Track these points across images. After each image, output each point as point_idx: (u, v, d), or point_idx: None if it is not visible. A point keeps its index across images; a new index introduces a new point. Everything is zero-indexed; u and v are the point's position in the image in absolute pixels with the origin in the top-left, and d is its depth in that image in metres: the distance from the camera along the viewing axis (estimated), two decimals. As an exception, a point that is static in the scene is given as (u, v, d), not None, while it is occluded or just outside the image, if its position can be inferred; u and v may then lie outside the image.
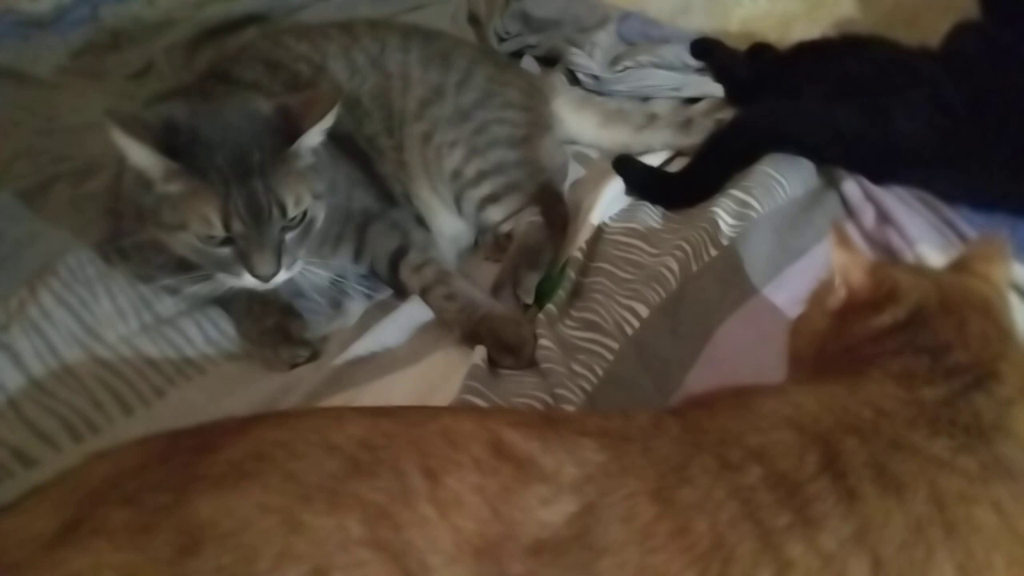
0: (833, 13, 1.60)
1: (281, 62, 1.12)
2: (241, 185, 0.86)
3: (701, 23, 1.65)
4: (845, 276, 0.68)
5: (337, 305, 1.04)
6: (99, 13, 1.66)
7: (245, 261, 0.88)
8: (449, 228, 1.17)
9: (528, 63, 1.49)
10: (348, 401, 0.90)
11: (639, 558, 0.52)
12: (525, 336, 0.99)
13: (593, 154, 1.32)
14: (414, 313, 1.02)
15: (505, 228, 1.15)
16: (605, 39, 1.51)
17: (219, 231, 0.87)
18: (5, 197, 1.15)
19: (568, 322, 1.03)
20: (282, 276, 0.91)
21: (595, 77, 1.45)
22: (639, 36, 1.59)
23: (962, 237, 1.15)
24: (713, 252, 1.10)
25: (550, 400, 0.92)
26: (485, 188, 1.14)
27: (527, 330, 1.00)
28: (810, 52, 1.42)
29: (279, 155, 0.89)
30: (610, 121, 1.32)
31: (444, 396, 0.90)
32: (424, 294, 1.04)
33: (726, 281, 1.06)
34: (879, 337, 0.65)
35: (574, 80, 1.46)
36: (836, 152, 1.24)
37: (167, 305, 1.01)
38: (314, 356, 0.97)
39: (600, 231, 1.15)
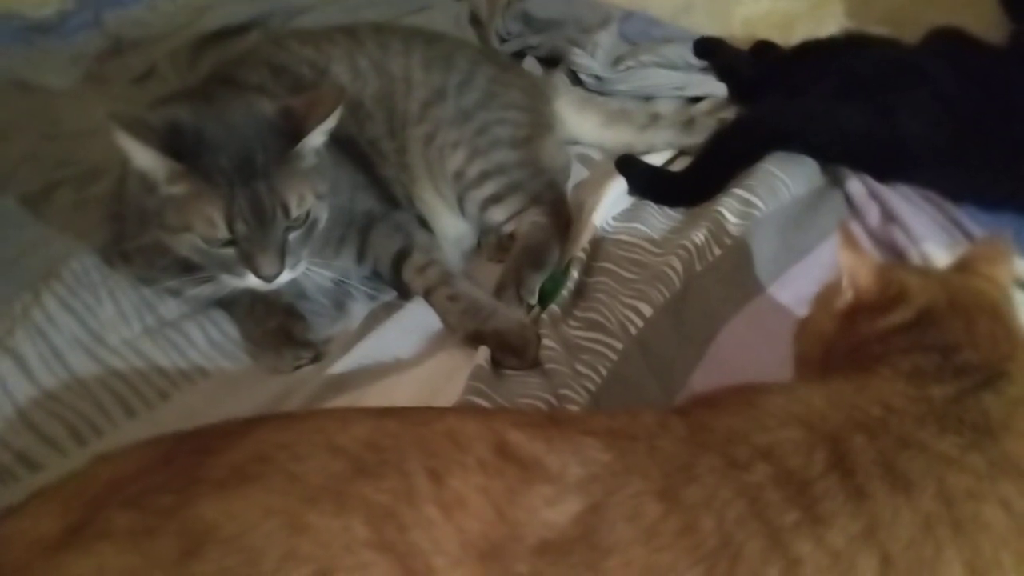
0: (835, 12, 1.59)
1: (285, 66, 1.12)
2: (245, 186, 0.86)
3: (703, 23, 1.65)
4: (853, 277, 0.68)
5: (340, 307, 1.04)
6: (102, 18, 1.66)
7: (249, 262, 0.88)
8: (452, 229, 1.17)
9: (530, 64, 1.49)
10: (351, 403, 0.90)
11: (645, 557, 0.52)
12: (529, 337, 0.99)
13: (596, 154, 1.31)
14: (417, 315, 1.01)
15: (508, 229, 1.15)
16: (607, 39, 1.50)
17: (223, 232, 0.87)
18: (8, 202, 1.15)
19: (572, 322, 1.03)
20: (285, 276, 0.91)
21: (597, 77, 1.44)
22: (641, 36, 1.59)
23: (968, 235, 1.14)
24: (717, 251, 1.10)
25: (554, 401, 0.92)
26: (487, 189, 1.14)
27: (531, 331, 1.00)
28: (814, 51, 1.41)
29: (282, 156, 0.89)
30: (612, 121, 1.31)
31: (448, 397, 0.90)
32: (427, 295, 1.03)
33: (730, 280, 1.05)
34: (887, 337, 0.64)
35: (576, 80, 1.45)
36: (840, 151, 1.24)
37: (170, 308, 1.01)
38: (317, 358, 0.97)
39: (603, 231, 1.15)
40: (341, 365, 0.94)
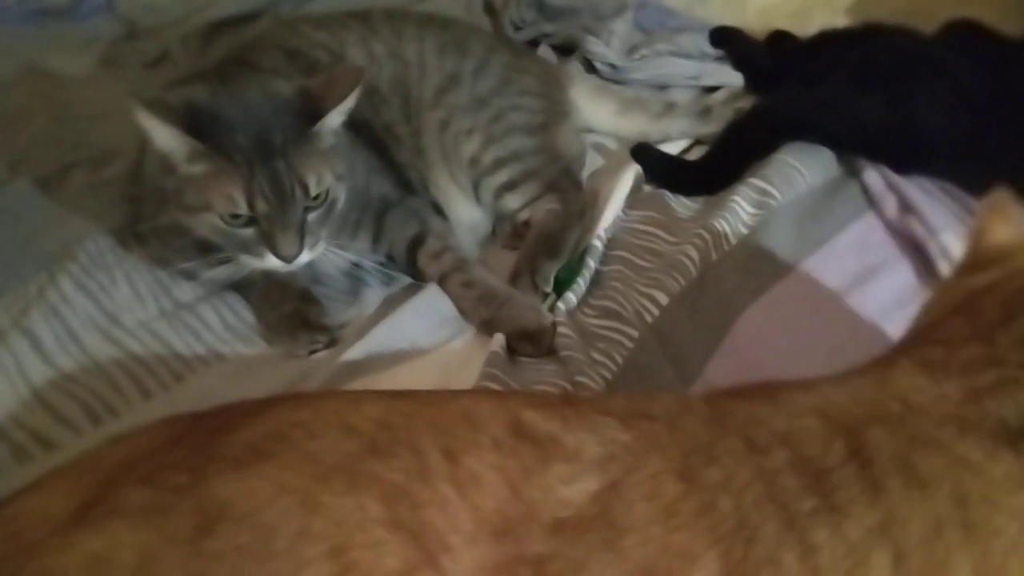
0: (851, 2, 1.59)
1: (299, 50, 1.11)
2: (264, 165, 0.86)
3: (718, 13, 1.64)
4: (976, 232, 0.66)
5: (355, 292, 1.04)
6: (114, 2, 1.66)
7: (268, 241, 0.88)
8: (467, 216, 1.16)
9: (544, 52, 1.48)
10: (366, 387, 0.89)
11: (663, 536, 0.51)
12: (544, 324, 0.98)
13: (611, 143, 1.30)
14: (432, 301, 1.01)
15: (523, 216, 1.14)
16: (622, 27, 1.49)
17: (243, 210, 0.87)
18: (23, 184, 1.15)
19: (587, 310, 1.02)
20: (304, 257, 0.91)
21: (612, 66, 1.43)
22: (656, 26, 1.58)
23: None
24: (733, 240, 1.10)
25: (569, 388, 0.91)
26: (502, 176, 1.13)
27: (546, 319, 0.99)
28: (831, 41, 1.41)
29: (301, 136, 0.89)
30: (628, 109, 1.31)
31: (462, 384, 0.89)
32: (442, 281, 1.03)
33: (746, 269, 1.05)
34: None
35: (591, 69, 1.44)
36: (857, 141, 1.23)
37: (185, 291, 1.00)
38: (332, 343, 0.97)
39: (619, 220, 1.14)
40: (356, 350, 0.94)
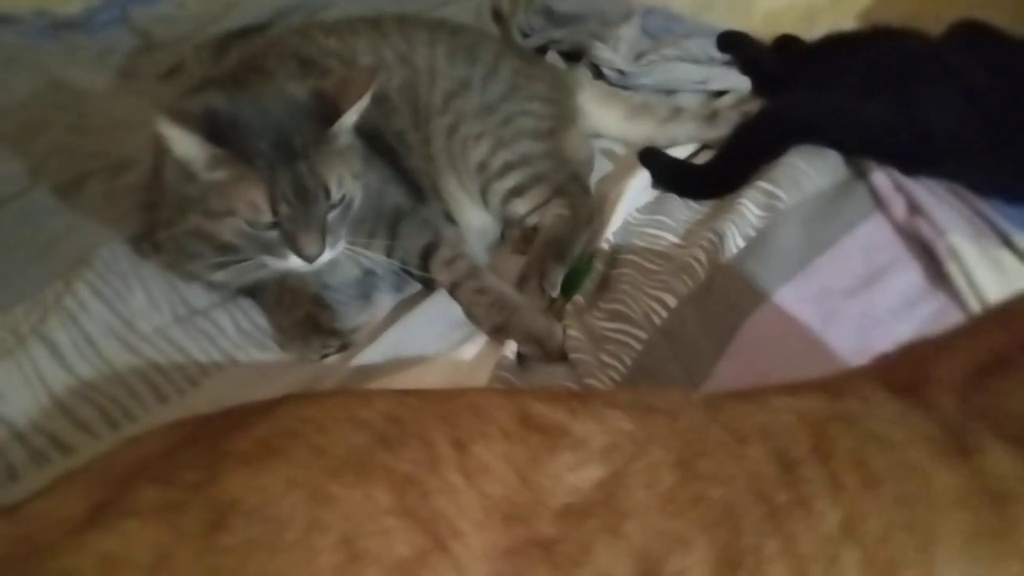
0: (858, 5, 1.59)
1: (311, 57, 1.12)
2: (286, 168, 0.87)
3: (725, 18, 1.65)
4: None
5: (367, 297, 1.05)
6: (129, 15, 1.68)
7: (292, 243, 0.89)
8: (476, 221, 1.17)
9: (552, 58, 1.49)
10: (377, 390, 0.90)
11: (660, 522, 0.53)
12: (554, 331, 0.99)
13: (619, 148, 1.31)
14: (443, 306, 1.02)
15: (531, 221, 1.15)
16: (629, 33, 1.50)
17: (267, 215, 0.88)
18: (41, 192, 1.16)
19: (596, 313, 1.03)
20: (327, 256, 0.92)
21: (619, 71, 1.44)
22: (662, 32, 1.59)
23: (995, 228, 1.14)
24: (741, 243, 1.10)
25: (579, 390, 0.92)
26: (510, 180, 1.14)
27: (556, 325, 1.00)
28: (838, 44, 1.41)
29: (320, 138, 0.90)
30: (635, 114, 1.31)
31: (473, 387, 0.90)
32: (455, 288, 1.04)
33: (754, 272, 1.05)
34: None
35: (598, 75, 1.45)
36: (865, 144, 1.23)
37: (200, 297, 1.02)
38: (344, 347, 0.98)
39: (627, 224, 1.15)
40: (368, 355, 0.95)
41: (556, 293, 1.07)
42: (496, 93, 1.17)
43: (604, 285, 1.08)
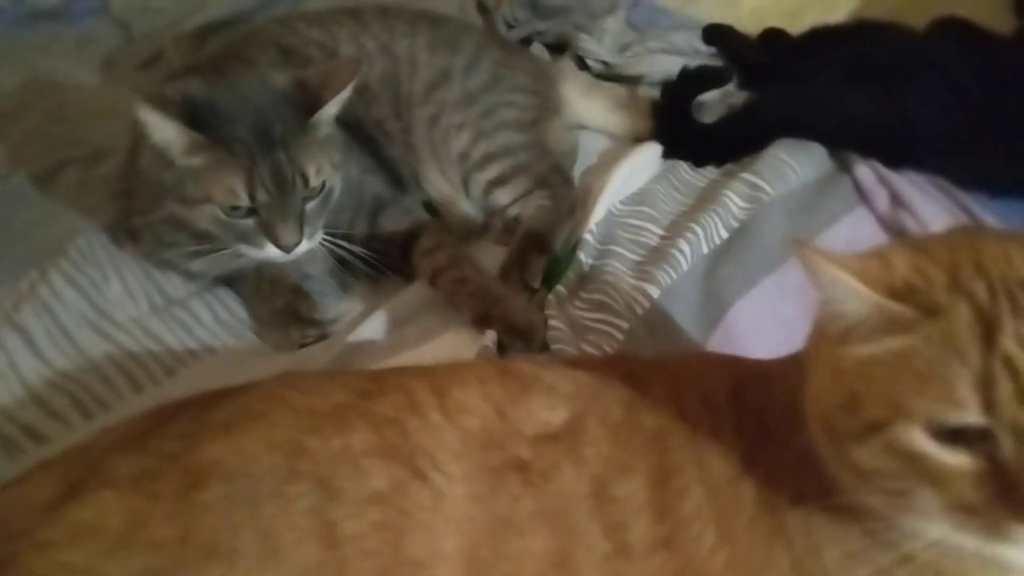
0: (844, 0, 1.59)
1: (293, 47, 1.12)
2: (265, 156, 0.87)
3: (711, 11, 1.64)
4: None
5: (344, 288, 1.05)
6: (108, 4, 1.66)
7: (268, 232, 0.89)
8: (458, 211, 1.17)
9: (537, 50, 1.48)
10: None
11: (611, 449, 0.61)
12: (536, 322, 0.99)
13: (603, 139, 1.31)
14: (423, 296, 1.02)
15: (513, 212, 1.14)
16: (614, 25, 1.50)
17: (244, 201, 0.88)
18: (18, 180, 1.15)
19: (578, 304, 1.03)
20: (304, 246, 0.92)
21: (604, 63, 1.44)
22: (648, 24, 1.58)
23: (978, 222, 1.14)
24: (724, 234, 1.10)
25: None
26: (492, 171, 1.14)
27: (538, 316, 1.00)
28: (823, 37, 1.41)
29: (300, 127, 0.90)
30: (619, 106, 1.31)
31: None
32: (435, 277, 1.03)
33: (738, 262, 1.06)
34: None
35: (583, 67, 1.45)
36: (849, 137, 1.24)
37: (177, 287, 1.01)
38: (323, 337, 0.97)
39: (610, 215, 1.15)
40: (347, 343, 0.94)
41: (538, 284, 1.06)
42: (478, 83, 1.16)
43: (587, 276, 1.07)
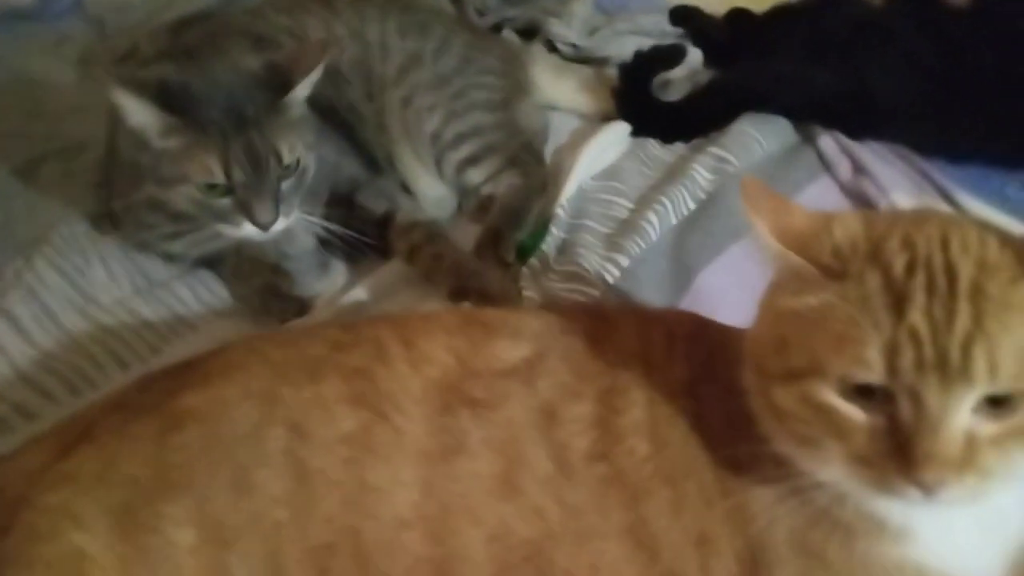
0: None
1: (264, 35, 1.14)
2: (238, 135, 0.90)
3: (678, -7, 1.68)
4: None
5: (324, 266, 1.07)
6: (83, 3, 1.67)
7: (245, 210, 0.92)
8: (432, 191, 1.20)
9: (508, 36, 1.51)
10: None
11: (567, 378, 0.66)
12: (510, 294, 1.02)
13: (573, 119, 1.34)
14: (400, 271, 1.05)
15: (486, 190, 1.17)
16: (582, 9, 1.53)
17: (221, 179, 0.90)
18: (0, 173, 1.17)
19: (552, 275, 1.05)
20: (280, 224, 0.94)
21: (574, 46, 1.47)
22: (616, 8, 1.61)
23: (936, 186, 1.18)
24: (692, 205, 1.14)
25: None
26: (464, 150, 1.17)
27: (512, 288, 1.03)
28: (786, 14, 1.45)
29: (272, 107, 0.93)
30: (588, 87, 1.34)
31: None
32: (412, 254, 1.06)
33: (705, 231, 1.09)
34: None
35: (553, 51, 1.47)
36: (812, 110, 1.28)
37: (159, 270, 1.03)
38: (303, 312, 1.00)
39: (582, 190, 1.18)
40: (327, 319, 0.97)
41: (512, 258, 1.09)
42: (448, 66, 1.19)
43: (560, 249, 1.10)
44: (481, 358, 0.66)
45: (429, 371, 0.65)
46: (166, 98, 0.88)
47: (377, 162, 1.15)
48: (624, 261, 1.04)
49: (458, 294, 1.01)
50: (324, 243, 1.05)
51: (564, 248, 1.09)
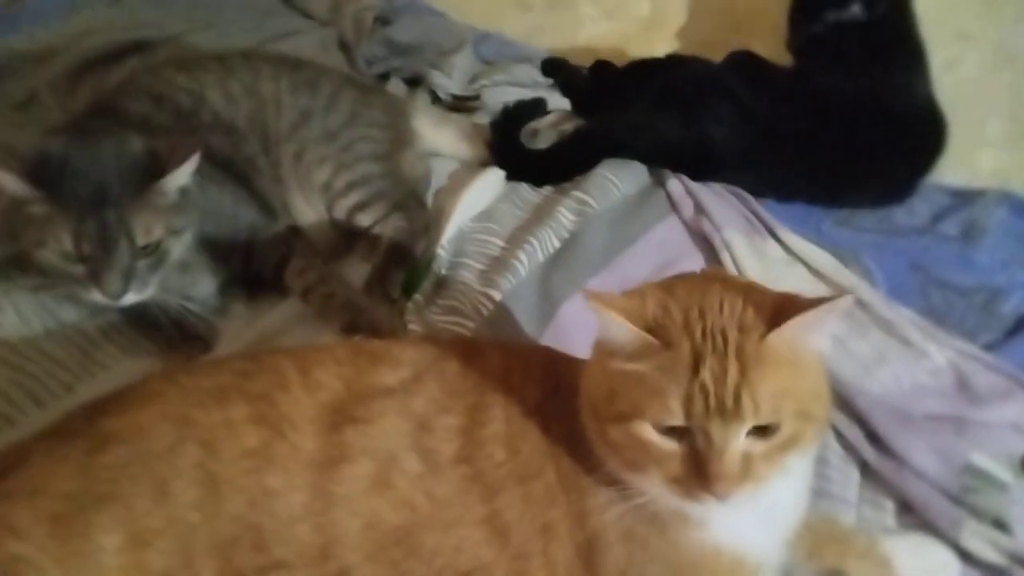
0: (662, 35, 1.81)
1: (164, 94, 1.22)
2: (95, 213, 0.99)
3: (552, 42, 1.84)
4: None
5: (225, 307, 1.17)
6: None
7: (94, 279, 1.01)
8: (323, 235, 1.30)
9: (394, 84, 1.63)
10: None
11: (439, 395, 0.78)
12: (397, 328, 1.14)
13: (453, 165, 1.46)
14: (296, 308, 1.16)
15: (375, 232, 1.28)
16: (462, 61, 1.66)
17: (71, 249, 0.99)
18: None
19: (434, 309, 1.18)
20: (131, 298, 1.03)
21: (454, 96, 1.60)
22: (496, 55, 1.75)
23: (765, 224, 1.36)
24: (557, 244, 1.28)
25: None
26: (353, 198, 1.27)
27: (398, 321, 1.15)
28: (640, 69, 1.62)
29: (140, 190, 1.02)
30: (466, 135, 1.47)
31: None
32: (307, 294, 1.17)
33: (567, 268, 1.23)
34: None
35: (437, 99, 1.61)
36: (660, 156, 1.43)
37: (69, 312, 1.10)
38: (208, 349, 1.09)
39: (461, 231, 1.31)
40: (233, 353, 1.06)
41: (398, 295, 1.21)
42: (337, 121, 1.30)
43: (441, 285, 1.23)
44: (366, 383, 0.78)
45: (321, 395, 0.76)
46: (40, 171, 0.98)
47: (274, 210, 1.25)
48: (497, 296, 1.18)
49: (349, 329, 1.13)
50: (225, 284, 1.15)
51: (445, 284, 1.23)
